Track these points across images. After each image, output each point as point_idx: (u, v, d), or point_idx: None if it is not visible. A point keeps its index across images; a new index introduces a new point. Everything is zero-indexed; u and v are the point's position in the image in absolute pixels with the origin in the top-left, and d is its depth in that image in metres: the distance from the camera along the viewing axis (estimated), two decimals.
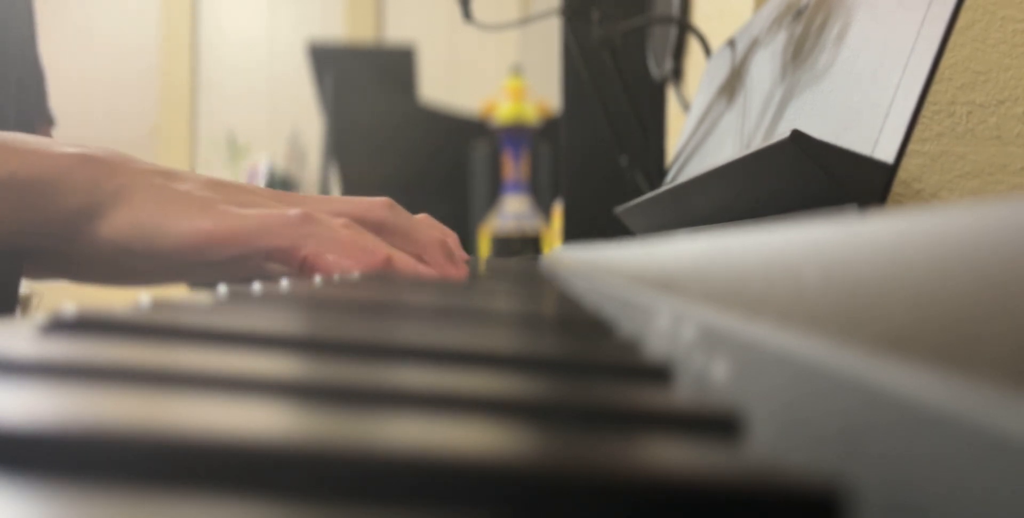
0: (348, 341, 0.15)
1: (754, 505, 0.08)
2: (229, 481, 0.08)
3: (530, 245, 1.79)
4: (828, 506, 0.08)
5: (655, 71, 1.01)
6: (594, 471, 0.08)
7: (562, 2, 0.87)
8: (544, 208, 1.83)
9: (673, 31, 0.94)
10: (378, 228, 0.44)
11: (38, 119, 0.67)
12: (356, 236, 0.41)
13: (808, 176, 0.34)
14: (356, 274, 0.39)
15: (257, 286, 0.25)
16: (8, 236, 0.40)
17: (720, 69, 0.69)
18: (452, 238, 0.48)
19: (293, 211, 0.40)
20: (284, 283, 0.27)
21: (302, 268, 0.42)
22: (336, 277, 0.35)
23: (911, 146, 0.59)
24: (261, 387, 0.11)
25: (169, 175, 0.41)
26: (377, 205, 0.45)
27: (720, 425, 0.11)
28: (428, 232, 0.45)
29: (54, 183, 0.38)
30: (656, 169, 0.88)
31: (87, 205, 0.39)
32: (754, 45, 0.60)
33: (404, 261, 0.41)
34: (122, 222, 0.39)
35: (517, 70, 1.95)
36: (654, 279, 0.23)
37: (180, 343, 0.14)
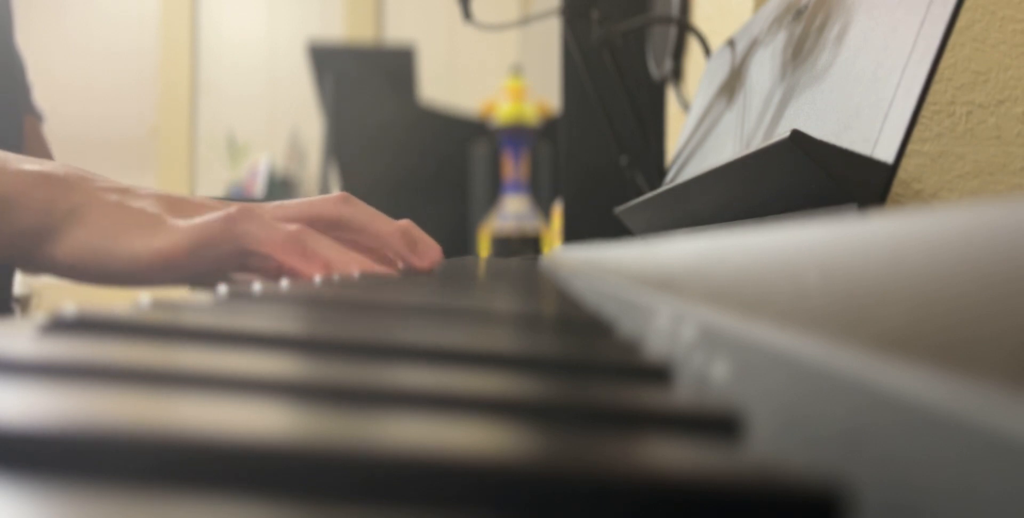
0: (348, 341, 0.15)
1: (754, 505, 0.08)
2: (229, 481, 0.08)
3: (530, 245, 1.79)
4: (828, 506, 0.08)
5: (655, 71, 1.01)
6: (594, 471, 0.08)
7: (562, 2, 0.87)
8: (544, 208, 1.83)
9: (673, 31, 0.94)
10: (334, 225, 0.43)
11: (24, 113, 0.66)
12: (295, 237, 0.40)
13: (808, 176, 0.34)
14: (356, 274, 0.39)
15: (257, 286, 0.25)
16: None
17: (720, 69, 0.69)
18: (413, 227, 0.46)
19: (232, 208, 0.40)
20: (284, 283, 0.27)
21: (262, 271, 0.42)
22: (336, 277, 0.35)
23: (911, 146, 0.60)
24: (261, 387, 0.11)
25: (125, 192, 0.41)
26: (331, 202, 0.44)
27: (720, 425, 0.11)
28: (386, 224, 0.45)
29: (12, 202, 0.38)
30: (656, 169, 0.88)
31: (42, 225, 0.39)
32: (754, 45, 0.60)
33: (344, 264, 0.40)
34: (75, 243, 0.39)
35: (517, 70, 1.95)
36: (654, 279, 0.23)
37: (180, 343, 0.14)
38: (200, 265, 0.40)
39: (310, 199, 0.44)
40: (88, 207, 0.39)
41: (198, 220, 0.40)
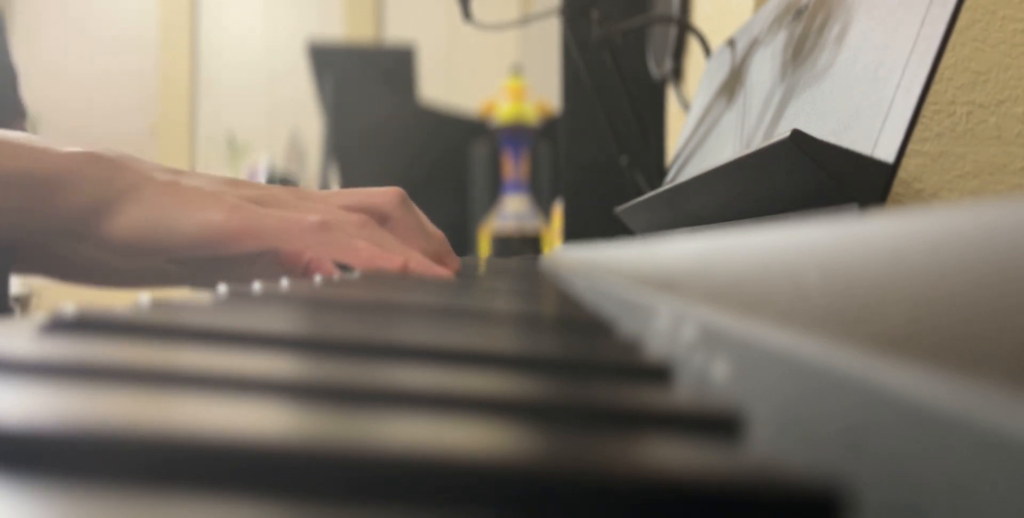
0: (348, 341, 0.15)
1: (754, 505, 0.08)
2: (229, 481, 0.08)
3: (530, 245, 1.79)
4: (828, 506, 0.08)
5: (655, 71, 1.01)
6: (594, 471, 0.08)
7: (562, 2, 0.87)
8: (544, 208, 1.83)
9: (673, 31, 0.94)
10: (383, 220, 0.44)
11: (12, 112, 0.66)
12: (371, 244, 0.41)
13: (808, 176, 0.34)
14: (356, 273, 0.39)
15: (257, 286, 0.25)
16: (19, 232, 0.41)
17: (720, 69, 0.69)
18: (446, 241, 0.48)
19: (313, 217, 0.41)
20: (284, 283, 0.27)
21: (306, 270, 0.42)
22: (336, 277, 0.35)
23: (911, 146, 0.59)
24: (261, 387, 0.11)
25: (178, 173, 0.42)
26: (389, 199, 0.45)
27: (720, 425, 0.11)
28: (431, 235, 0.46)
29: (65, 180, 0.39)
30: (656, 169, 0.88)
31: (98, 202, 0.40)
32: (754, 45, 0.60)
33: (421, 264, 0.42)
34: (133, 218, 0.40)
35: (517, 70, 1.95)
36: (654, 279, 0.23)
37: (180, 343, 0.14)
38: (252, 251, 0.40)
39: (367, 190, 0.45)
40: (144, 185, 0.40)
41: (275, 211, 0.41)
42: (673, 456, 0.09)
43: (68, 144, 0.41)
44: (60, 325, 0.15)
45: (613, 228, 0.88)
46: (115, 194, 0.40)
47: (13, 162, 0.39)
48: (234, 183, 0.43)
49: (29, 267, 0.63)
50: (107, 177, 0.40)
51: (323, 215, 0.42)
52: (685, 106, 0.88)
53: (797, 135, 0.32)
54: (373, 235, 0.43)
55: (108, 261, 0.43)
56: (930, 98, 0.61)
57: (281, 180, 2.90)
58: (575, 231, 1.07)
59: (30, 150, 0.39)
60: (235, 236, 0.40)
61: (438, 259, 0.46)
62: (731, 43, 0.68)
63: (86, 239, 0.41)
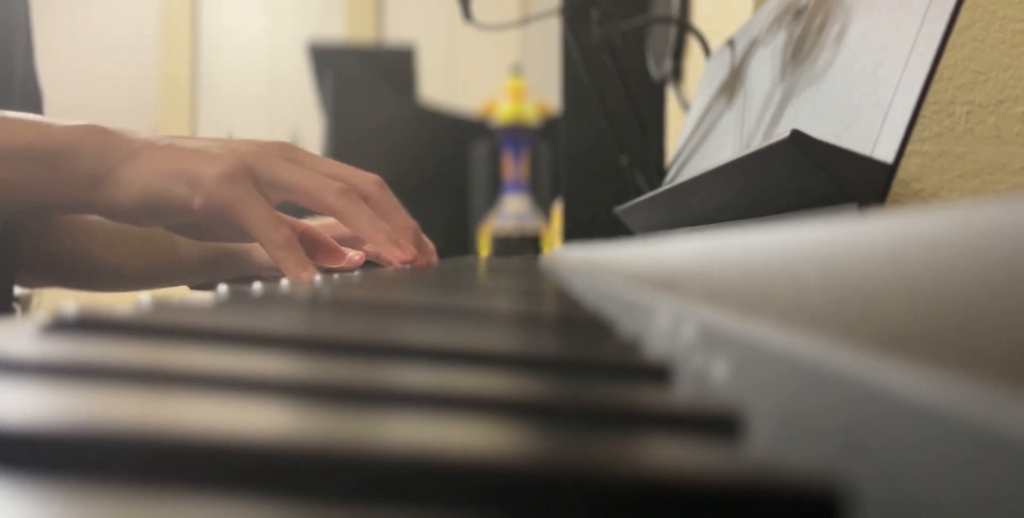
0: (348, 341, 0.15)
1: (754, 504, 0.08)
2: (229, 481, 0.08)
3: (530, 245, 1.78)
4: (828, 505, 0.08)
5: (655, 71, 1.01)
6: (594, 471, 0.08)
7: (562, 2, 0.87)
8: (544, 208, 1.83)
9: (673, 31, 0.94)
10: (365, 198, 0.46)
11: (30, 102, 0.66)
12: (382, 208, 0.45)
13: (808, 176, 0.34)
14: (356, 274, 0.40)
15: (257, 286, 0.25)
16: (27, 205, 0.43)
17: (720, 69, 0.69)
18: (419, 230, 0.50)
19: (337, 183, 0.43)
20: (284, 283, 0.27)
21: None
22: (336, 277, 0.35)
23: (911, 146, 0.59)
24: (261, 387, 0.11)
25: (176, 137, 0.44)
26: (370, 179, 0.46)
27: (720, 424, 0.11)
28: (406, 218, 0.47)
29: (68, 152, 0.42)
30: (656, 169, 0.88)
31: (100, 171, 0.42)
32: (754, 45, 0.60)
33: (418, 238, 0.45)
34: (133, 183, 0.42)
35: (517, 70, 1.95)
36: (654, 279, 0.23)
37: (180, 343, 0.14)
38: (250, 190, 0.42)
39: (349, 167, 0.47)
40: (142, 151, 0.42)
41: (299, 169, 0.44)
42: (673, 456, 0.09)
43: (70, 120, 0.43)
44: (61, 325, 0.15)
45: (613, 228, 0.88)
46: (115, 162, 0.42)
47: (17, 137, 0.41)
48: (229, 142, 0.45)
49: (33, 279, 0.63)
50: (108, 147, 0.42)
51: (344, 177, 0.45)
52: (685, 106, 0.88)
53: (797, 135, 0.32)
54: (384, 198, 0.46)
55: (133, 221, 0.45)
56: (930, 98, 0.61)
57: None
58: (575, 231, 1.07)
59: (33, 125, 0.42)
60: (228, 178, 0.41)
61: (420, 244, 0.47)
62: (731, 43, 0.68)
63: (92, 207, 0.43)
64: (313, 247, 0.50)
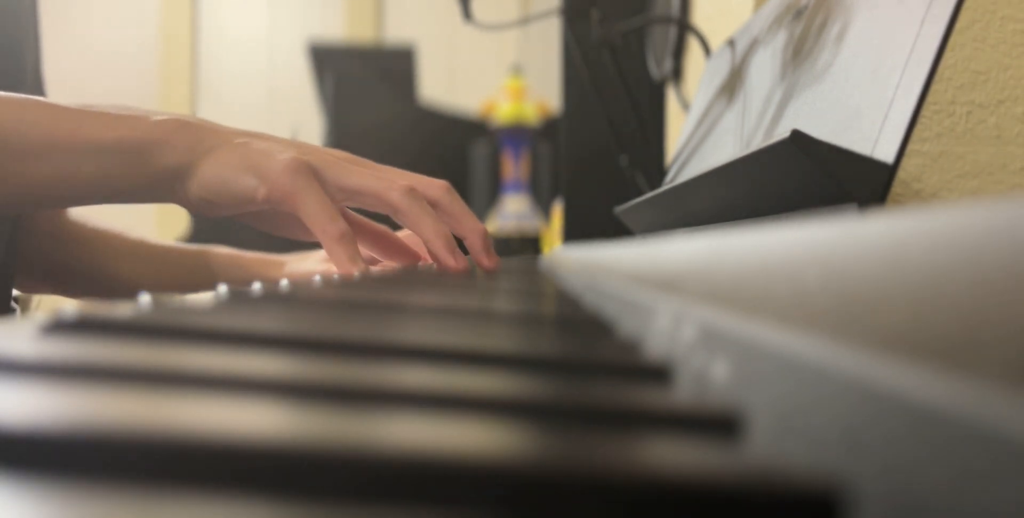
0: (348, 341, 0.15)
1: (754, 505, 0.08)
2: (229, 481, 0.08)
3: (530, 245, 1.78)
4: (828, 506, 0.08)
5: (655, 71, 1.01)
6: (594, 471, 0.08)
7: (562, 2, 0.87)
8: (544, 208, 1.83)
9: (673, 31, 0.94)
10: (432, 204, 0.47)
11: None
12: (449, 210, 0.46)
13: (808, 176, 0.34)
14: (361, 268, 0.41)
15: (257, 286, 0.25)
16: (117, 193, 0.46)
17: (720, 69, 0.69)
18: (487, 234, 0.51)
19: (403, 181, 0.45)
20: (284, 283, 0.27)
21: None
22: (336, 277, 0.35)
23: (911, 146, 0.59)
24: (261, 387, 0.11)
25: (251, 135, 0.47)
26: (436, 184, 0.48)
27: (720, 425, 0.11)
28: (474, 221, 0.48)
29: (157, 146, 0.45)
30: (656, 169, 0.88)
31: (183, 164, 0.45)
32: (754, 45, 0.60)
33: (486, 241, 0.47)
34: (206, 177, 0.45)
35: (517, 70, 1.95)
36: (654, 279, 0.23)
37: (180, 343, 0.14)
38: (311, 183, 0.43)
39: (416, 174, 0.48)
40: (220, 147, 0.45)
41: (369, 172, 0.46)
42: (673, 456, 0.09)
43: (158, 113, 0.46)
44: (61, 326, 0.15)
45: (613, 228, 0.88)
46: (197, 157, 0.45)
47: (109, 132, 0.44)
48: (303, 145, 0.47)
49: (32, 284, 0.64)
50: (192, 142, 0.45)
51: (410, 180, 0.46)
52: (685, 106, 0.88)
53: (797, 135, 0.32)
54: (453, 203, 0.47)
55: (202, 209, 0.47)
56: (930, 98, 0.61)
57: None
58: (575, 231, 1.07)
59: (124, 119, 0.45)
60: (285, 195, 0.43)
61: (486, 247, 0.48)
62: (731, 43, 0.68)
63: (171, 197, 0.46)
64: (387, 249, 0.52)
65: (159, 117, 0.46)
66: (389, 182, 0.45)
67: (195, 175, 0.45)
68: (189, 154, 0.45)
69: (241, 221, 0.50)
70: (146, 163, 0.45)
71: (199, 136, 0.45)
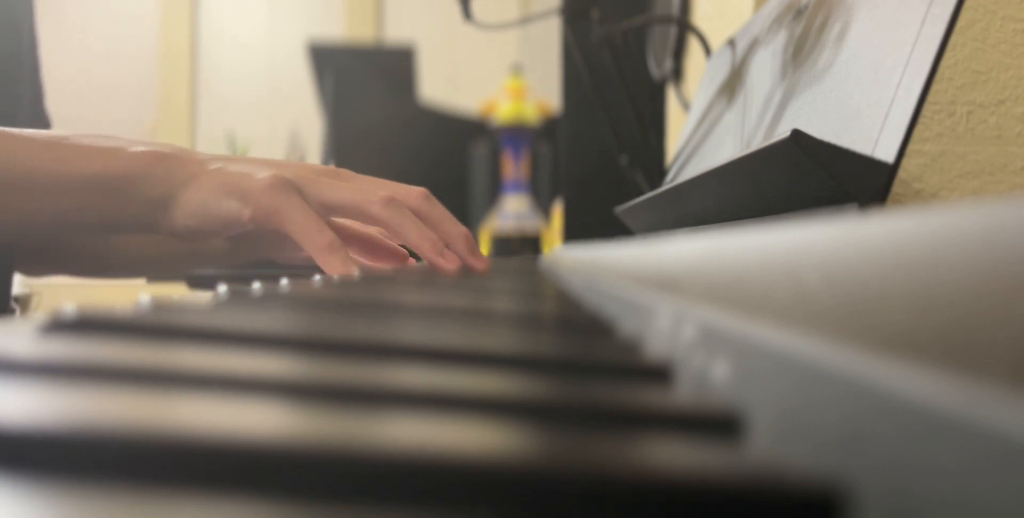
0: (348, 341, 0.15)
1: (754, 505, 0.08)
2: (229, 481, 0.08)
3: (530, 245, 1.78)
4: (828, 506, 0.08)
5: (655, 71, 1.01)
6: (594, 471, 0.08)
7: (562, 2, 0.87)
8: (544, 208, 1.83)
9: (673, 31, 0.94)
10: (412, 212, 0.47)
11: (37, 124, 0.67)
12: (431, 217, 0.47)
13: (808, 176, 0.34)
14: (356, 273, 0.40)
15: (257, 286, 0.25)
16: (99, 226, 0.46)
17: (720, 69, 0.69)
18: (471, 235, 0.51)
19: (383, 192, 0.45)
20: (284, 283, 0.27)
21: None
22: (336, 277, 0.35)
23: (911, 146, 0.59)
24: (261, 387, 0.11)
25: (227, 160, 0.47)
26: (415, 192, 0.48)
27: (720, 425, 0.11)
28: (456, 225, 0.49)
29: (135, 180, 0.45)
30: (656, 169, 0.88)
31: (163, 196, 0.45)
32: (754, 45, 0.60)
33: (469, 244, 0.47)
34: (188, 206, 0.45)
35: (517, 70, 1.95)
36: (654, 279, 0.23)
37: (180, 343, 0.14)
38: (293, 198, 0.44)
39: (394, 183, 0.49)
40: (198, 176, 0.45)
41: (350, 185, 0.46)
42: (673, 456, 0.09)
43: (135, 144, 0.46)
44: (60, 325, 0.15)
45: (613, 228, 0.88)
46: (176, 187, 0.45)
47: (85, 165, 0.44)
48: (278, 164, 0.47)
49: (35, 267, 0.64)
50: (169, 173, 0.45)
51: (389, 190, 0.46)
52: (685, 106, 0.88)
53: (797, 135, 0.32)
54: (433, 209, 0.48)
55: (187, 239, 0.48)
56: (930, 98, 0.61)
57: None
58: (575, 231, 1.07)
59: (101, 151, 0.45)
60: (269, 213, 0.43)
61: (471, 250, 0.49)
62: (731, 43, 0.68)
63: (154, 228, 0.46)
64: (374, 252, 0.53)
65: (136, 148, 0.46)
66: (369, 194, 0.45)
67: (177, 205, 0.45)
68: (167, 184, 0.45)
69: (227, 247, 0.51)
70: (126, 196, 0.45)
71: (176, 165, 0.45)
